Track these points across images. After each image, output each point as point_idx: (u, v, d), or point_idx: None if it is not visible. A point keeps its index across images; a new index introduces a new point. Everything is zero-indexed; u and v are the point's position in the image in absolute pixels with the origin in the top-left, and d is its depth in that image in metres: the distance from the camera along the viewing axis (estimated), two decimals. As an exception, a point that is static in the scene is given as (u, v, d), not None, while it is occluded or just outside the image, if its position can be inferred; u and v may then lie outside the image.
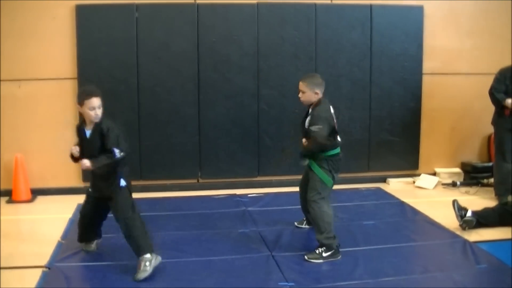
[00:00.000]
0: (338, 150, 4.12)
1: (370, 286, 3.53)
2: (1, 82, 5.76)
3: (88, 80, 5.77)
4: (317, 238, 4.00)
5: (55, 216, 5.19)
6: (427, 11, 6.43)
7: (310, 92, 4.10)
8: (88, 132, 3.72)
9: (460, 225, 4.62)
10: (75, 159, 3.73)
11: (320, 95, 4.12)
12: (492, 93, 5.49)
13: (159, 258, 3.67)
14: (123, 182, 3.73)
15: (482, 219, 4.64)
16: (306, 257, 3.94)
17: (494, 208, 4.87)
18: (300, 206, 4.58)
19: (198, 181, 6.29)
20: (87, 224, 4.03)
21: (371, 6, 6.26)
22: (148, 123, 6.02)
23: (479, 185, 6.27)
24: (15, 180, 5.77)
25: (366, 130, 6.45)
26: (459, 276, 3.64)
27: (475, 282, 3.61)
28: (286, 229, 4.63)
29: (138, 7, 5.86)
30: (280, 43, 6.14)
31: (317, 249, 3.96)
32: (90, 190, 3.95)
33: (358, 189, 6.15)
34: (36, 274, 3.68)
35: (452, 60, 6.60)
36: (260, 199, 5.69)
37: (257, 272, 3.73)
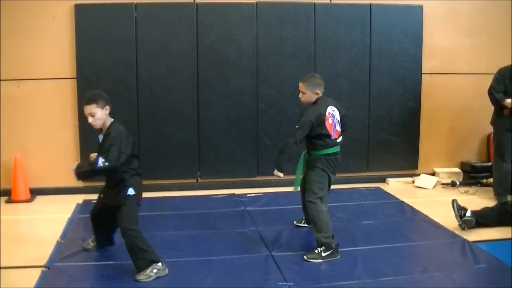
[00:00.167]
0: (333, 150, 4.12)
1: (369, 286, 3.53)
2: (0, 81, 5.76)
3: (87, 80, 5.79)
4: (316, 237, 4.00)
5: (54, 216, 5.19)
6: (426, 11, 6.43)
7: (310, 93, 4.11)
8: (100, 137, 3.69)
9: (459, 225, 4.62)
10: None
11: (320, 95, 4.12)
12: (491, 93, 5.49)
13: (166, 271, 3.63)
14: (130, 191, 3.65)
15: (481, 219, 4.64)
16: (305, 257, 3.94)
17: (493, 208, 4.87)
18: (300, 206, 4.58)
19: (197, 180, 6.28)
20: (96, 226, 4.03)
21: (370, 5, 6.26)
22: (147, 122, 6.02)
23: (478, 184, 6.28)
24: (14, 180, 5.76)
25: (365, 130, 6.45)
26: (458, 276, 3.64)
27: (474, 282, 3.61)
28: (285, 228, 4.63)
29: (137, 6, 5.85)
30: (279, 42, 6.14)
31: (316, 248, 3.96)
32: (100, 195, 3.91)
33: (357, 189, 6.15)
34: (35, 274, 3.67)
35: (451, 60, 6.60)
36: (259, 198, 5.69)
37: (256, 272, 3.73)
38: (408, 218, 5.07)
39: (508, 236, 4.42)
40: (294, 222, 4.75)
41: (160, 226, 4.65)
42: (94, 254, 4.05)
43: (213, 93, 6.10)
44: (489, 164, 6.36)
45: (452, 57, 6.59)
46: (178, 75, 6.02)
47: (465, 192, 6.08)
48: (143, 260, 3.57)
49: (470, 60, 6.62)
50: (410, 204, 5.47)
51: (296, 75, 5.44)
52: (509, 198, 5.44)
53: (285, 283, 3.53)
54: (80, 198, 5.63)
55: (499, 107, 5.50)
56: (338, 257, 3.96)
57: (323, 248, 3.94)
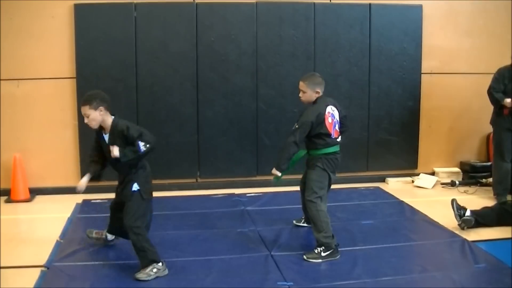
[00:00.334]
0: (334, 149, 4.12)
1: (368, 285, 3.53)
2: (0, 81, 5.75)
3: (86, 80, 5.79)
4: (316, 237, 4.00)
5: (54, 216, 5.18)
6: (426, 11, 6.43)
7: (310, 92, 4.11)
8: (106, 137, 3.67)
9: (459, 225, 4.62)
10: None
11: (320, 95, 4.13)
12: (491, 93, 5.49)
13: (166, 271, 3.64)
14: (135, 187, 3.64)
15: (481, 219, 4.64)
16: (305, 256, 3.94)
17: (492, 208, 4.87)
18: (299, 206, 4.57)
19: (196, 180, 6.28)
20: (112, 216, 4.02)
21: (370, 5, 6.27)
22: (146, 122, 5.98)
23: (478, 184, 6.28)
24: (14, 180, 5.76)
25: (365, 130, 6.45)
26: (458, 276, 3.64)
27: (473, 282, 3.60)
28: (284, 228, 4.63)
29: (136, 6, 5.85)
30: (278, 42, 6.14)
31: (316, 248, 3.96)
32: (117, 190, 3.88)
33: (357, 189, 6.15)
34: (35, 273, 3.67)
35: (451, 59, 6.60)
36: (258, 198, 5.69)
37: (256, 271, 3.73)
38: (407, 218, 5.07)
39: (507, 235, 4.43)
40: (294, 221, 4.75)
41: (159, 226, 4.63)
42: (94, 254, 4.04)
43: (212, 93, 6.10)
44: (489, 163, 6.36)
45: (451, 57, 6.60)
46: (178, 75, 6.02)
47: (465, 191, 6.09)
48: (144, 258, 3.58)
49: (470, 60, 6.62)
50: (410, 203, 5.47)
51: (295, 75, 5.44)
52: (508, 197, 5.45)
53: (285, 283, 3.53)
54: (79, 198, 5.61)
55: (498, 107, 5.50)
56: (338, 257, 3.96)
57: (323, 248, 3.94)
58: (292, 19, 6.13)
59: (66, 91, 5.89)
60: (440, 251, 4.19)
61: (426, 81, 6.56)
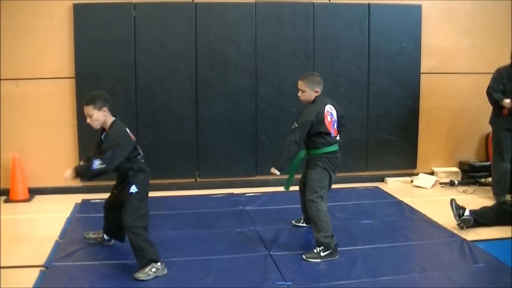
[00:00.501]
0: (333, 148, 4.12)
1: (368, 285, 3.53)
2: (-1, 81, 5.77)
3: (86, 80, 5.79)
4: (316, 237, 4.00)
5: (53, 216, 5.18)
6: (425, 10, 6.43)
7: (310, 91, 4.11)
8: (103, 137, 3.71)
9: (458, 224, 4.63)
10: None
11: (319, 94, 4.13)
12: (490, 93, 5.50)
13: (165, 271, 3.64)
14: (133, 189, 3.65)
15: (480, 218, 4.65)
16: (304, 256, 3.94)
17: (492, 207, 4.88)
18: (299, 205, 4.58)
19: (195, 180, 6.28)
20: (106, 216, 4.04)
21: (369, 5, 6.27)
22: (145, 122, 6.01)
23: (477, 184, 6.29)
24: (13, 180, 5.75)
25: (364, 130, 6.45)
26: (457, 275, 3.64)
27: (472, 281, 3.61)
28: (284, 228, 4.63)
29: (135, 6, 5.85)
30: (277, 42, 6.14)
31: (315, 248, 3.96)
32: (114, 191, 3.90)
33: (356, 188, 6.15)
34: (34, 273, 3.67)
35: (450, 59, 6.60)
36: (258, 198, 5.68)
37: (255, 271, 3.73)
38: (406, 218, 5.07)
39: (506, 235, 4.43)
40: (293, 221, 4.75)
41: (158, 226, 4.64)
42: (93, 254, 4.04)
43: (212, 92, 6.10)
44: (488, 163, 6.36)
45: (451, 56, 6.60)
46: (177, 74, 6.02)
47: (464, 191, 6.09)
48: (142, 258, 3.58)
49: (469, 59, 6.63)
50: (409, 203, 5.47)
51: (295, 74, 5.44)
52: (507, 197, 5.45)
53: (284, 282, 3.53)
54: (78, 198, 5.62)
55: (497, 107, 5.50)
56: (337, 256, 3.96)
57: (322, 247, 3.94)
58: (291, 19, 6.13)
59: (65, 91, 5.89)
60: (439, 250, 4.19)
61: (425, 81, 6.56)
